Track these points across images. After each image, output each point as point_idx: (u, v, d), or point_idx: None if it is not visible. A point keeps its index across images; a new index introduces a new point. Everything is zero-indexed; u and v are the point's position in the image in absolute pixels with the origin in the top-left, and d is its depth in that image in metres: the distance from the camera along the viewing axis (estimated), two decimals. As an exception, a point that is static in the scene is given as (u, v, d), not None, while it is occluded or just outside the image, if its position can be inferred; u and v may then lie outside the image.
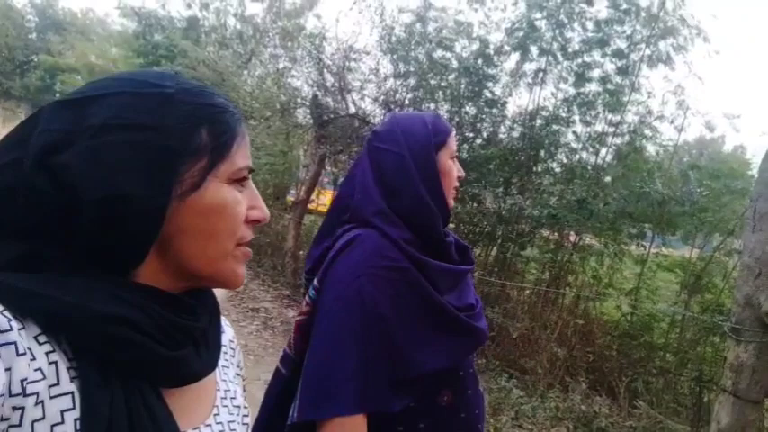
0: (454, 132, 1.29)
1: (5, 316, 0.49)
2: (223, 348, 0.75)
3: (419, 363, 1.08)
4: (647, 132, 5.79)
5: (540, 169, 6.22)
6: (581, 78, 5.80)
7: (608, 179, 5.85)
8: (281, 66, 9.55)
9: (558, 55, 5.93)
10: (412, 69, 6.60)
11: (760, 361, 3.08)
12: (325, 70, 7.18)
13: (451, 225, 5.55)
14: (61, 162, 0.53)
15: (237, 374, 0.80)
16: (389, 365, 1.05)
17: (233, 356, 0.80)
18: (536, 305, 5.28)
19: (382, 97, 6.91)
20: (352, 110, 7.09)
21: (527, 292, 5.53)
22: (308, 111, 7.46)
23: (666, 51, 5.47)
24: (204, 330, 0.65)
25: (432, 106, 6.64)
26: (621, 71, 5.64)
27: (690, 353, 4.59)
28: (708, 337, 4.39)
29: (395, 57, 6.69)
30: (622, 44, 5.66)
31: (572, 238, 5.63)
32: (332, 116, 7.05)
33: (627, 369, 4.63)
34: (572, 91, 5.90)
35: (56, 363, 0.52)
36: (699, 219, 5.17)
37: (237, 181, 0.63)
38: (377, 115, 7.11)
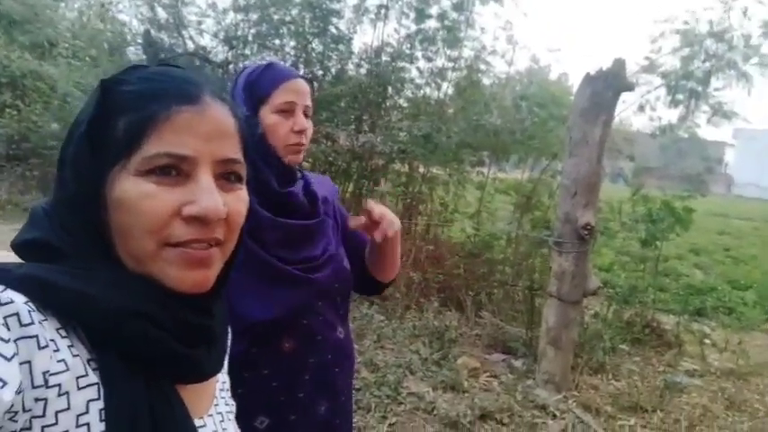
0: (289, 83, 1.24)
1: (29, 307, 0.49)
2: None
3: (244, 314, 1.15)
4: (482, 67, 6.22)
5: (388, 105, 6.40)
6: (421, 15, 5.96)
7: (451, 111, 6.22)
8: (103, -4, 8.53)
9: (399, -10, 6.02)
10: (252, 2, 6.29)
11: (578, 268, 3.62)
12: (155, 3, 6.59)
13: (306, 164, 5.61)
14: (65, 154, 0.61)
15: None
16: None
17: None
18: (391, 236, 5.57)
19: (223, 33, 6.54)
20: (191, 47, 6.65)
21: (382, 224, 5.79)
22: (141, 49, 6.84)
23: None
24: (215, 331, 0.65)
25: (276, 42, 6.45)
26: (457, 7, 5.89)
27: (524, 265, 5.21)
28: (538, 250, 4.99)
29: (233, -12, 6.33)
30: (457, -20, 5.89)
31: (421, 170, 5.97)
32: (168, 55, 6.55)
33: (472, 285, 5.14)
34: (413, 27, 6.07)
35: (78, 355, 0.52)
36: (528, 145, 5.75)
37: (152, 171, 0.56)
38: (219, 53, 6.75)
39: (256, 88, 1.24)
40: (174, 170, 0.57)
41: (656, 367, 4.20)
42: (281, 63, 1.36)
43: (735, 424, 3.37)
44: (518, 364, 3.95)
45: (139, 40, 6.84)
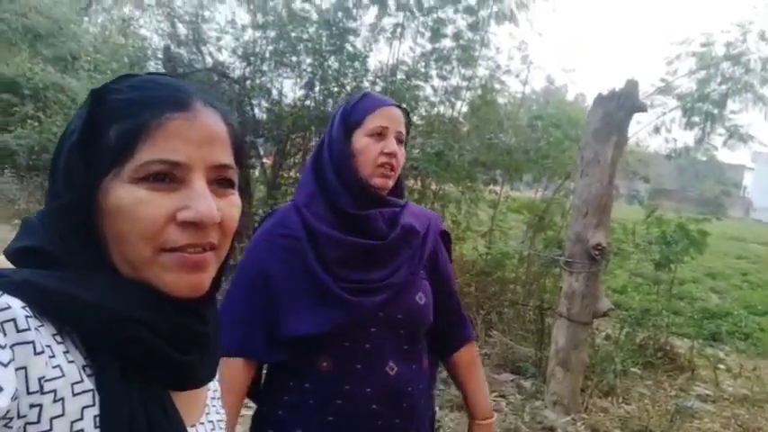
0: (382, 110, 1.28)
1: (25, 312, 0.49)
2: None
3: (288, 325, 1.19)
4: (497, 86, 6.25)
5: (402, 122, 6.43)
6: (436, 34, 6.02)
7: (465, 129, 6.25)
8: (126, 11, 8.74)
9: (415, 10, 6.09)
10: (271, 20, 6.40)
11: (588, 288, 3.59)
12: (176, 20, 6.72)
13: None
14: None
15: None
16: (267, 321, 1.20)
17: None
18: (403, 253, 5.57)
19: (241, 49, 6.65)
20: (210, 62, 6.76)
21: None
22: (161, 64, 6.97)
23: (510, 8, 5.85)
24: (209, 337, 0.65)
25: (294, 59, 6.54)
26: (472, 27, 5.95)
27: (535, 285, 5.18)
28: (550, 270, 4.96)
29: (251, 6, 6.44)
30: (472, 0, 5.95)
31: (433, 187, 5.98)
32: (187, 70, 6.66)
33: (483, 303, 5.10)
34: (429, 46, 6.12)
35: (73, 361, 0.52)
36: (542, 164, 5.74)
37: (146, 178, 0.56)
38: (237, 68, 6.85)
39: (351, 115, 1.29)
40: (167, 176, 0.57)
41: (668, 391, 4.13)
42: (378, 94, 1.47)
43: (748, 452, 3.29)
44: (527, 384, 3.90)
45: (159, 55, 6.97)
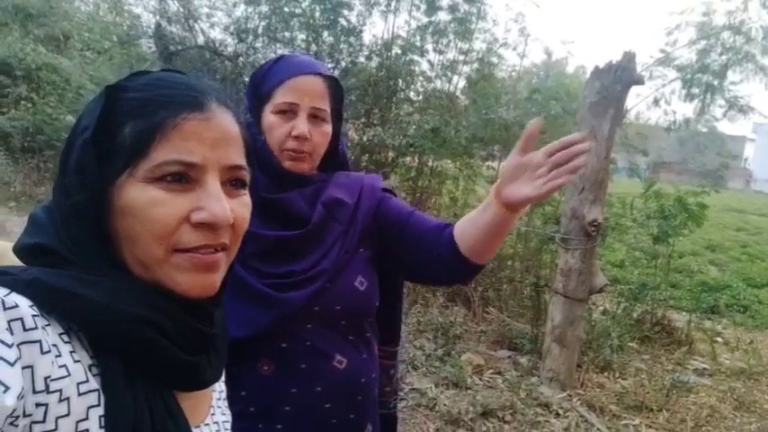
0: (293, 81, 1.10)
1: (33, 311, 0.49)
2: None
3: None
4: (494, 59, 6.15)
5: (398, 98, 6.36)
6: (432, 6, 5.91)
7: (462, 105, 6.17)
8: (117, -11, 8.59)
9: (409, -19, 5.97)
10: (263, -6, 6.29)
11: (585, 265, 3.57)
12: (166, -4, 6.61)
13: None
14: None
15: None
16: None
17: None
18: (399, 230, 5.56)
19: (233, 26, 6.54)
20: (202, 40, 6.65)
21: (391, 218, 5.79)
22: (152, 42, 6.88)
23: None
24: (216, 338, 0.65)
25: (287, 34, 6.43)
26: (468, -1, 5.84)
27: (532, 261, 5.16)
28: (547, 246, 4.93)
29: (243, -19, 6.33)
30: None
31: (430, 164, 5.93)
32: (179, 47, 6.57)
33: (481, 280, 5.09)
34: (424, 19, 6.02)
35: (80, 360, 0.52)
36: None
37: (161, 178, 0.56)
38: (229, 45, 6.75)
39: (261, 85, 1.14)
40: (182, 177, 0.57)
41: (665, 366, 4.14)
42: (298, 56, 1.20)
43: (742, 425, 3.31)
44: (523, 360, 3.91)
45: (151, 33, 6.87)
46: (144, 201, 0.55)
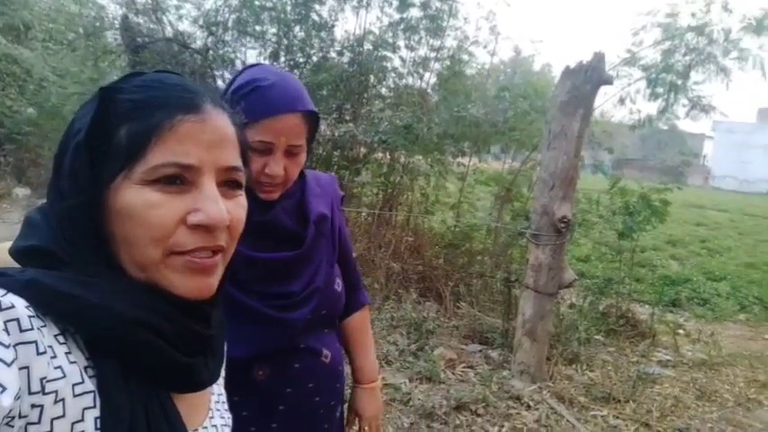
0: (271, 121, 1.06)
1: (29, 312, 0.49)
2: None
3: None
4: (465, 57, 6.21)
5: (370, 94, 6.37)
6: (404, 3, 5.92)
7: (433, 101, 6.21)
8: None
9: (382, -23, 5.97)
10: (233, -13, 6.19)
11: (554, 260, 3.65)
12: (133, -13, 6.44)
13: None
14: None
15: (223, 377, 0.81)
16: None
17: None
18: (371, 226, 5.59)
19: (202, 18, 6.42)
20: (170, 32, 6.52)
21: (363, 214, 5.80)
22: (118, 34, 6.70)
23: (478, -23, 5.78)
24: (213, 339, 0.65)
25: (257, 28, 6.36)
26: (440, -4, 5.86)
27: (502, 257, 5.25)
28: (517, 242, 5.03)
29: (212, -27, 6.22)
30: (439, -32, 5.85)
31: (402, 160, 5.96)
32: (147, 40, 6.42)
33: (452, 275, 5.16)
34: (396, 15, 6.02)
35: (75, 362, 0.52)
36: (509, 136, 5.76)
37: (157, 181, 0.56)
38: (198, 38, 6.63)
39: (240, 112, 1.15)
40: (178, 179, 0.57)
41: (630, 358, 4.27)
42: (277, 85, 1.08)
43: (704, 413, 3.44)
44: (494, 354, 3.98)
45: (117, 25, 6.69)
46: (140, 203, 0.55)
